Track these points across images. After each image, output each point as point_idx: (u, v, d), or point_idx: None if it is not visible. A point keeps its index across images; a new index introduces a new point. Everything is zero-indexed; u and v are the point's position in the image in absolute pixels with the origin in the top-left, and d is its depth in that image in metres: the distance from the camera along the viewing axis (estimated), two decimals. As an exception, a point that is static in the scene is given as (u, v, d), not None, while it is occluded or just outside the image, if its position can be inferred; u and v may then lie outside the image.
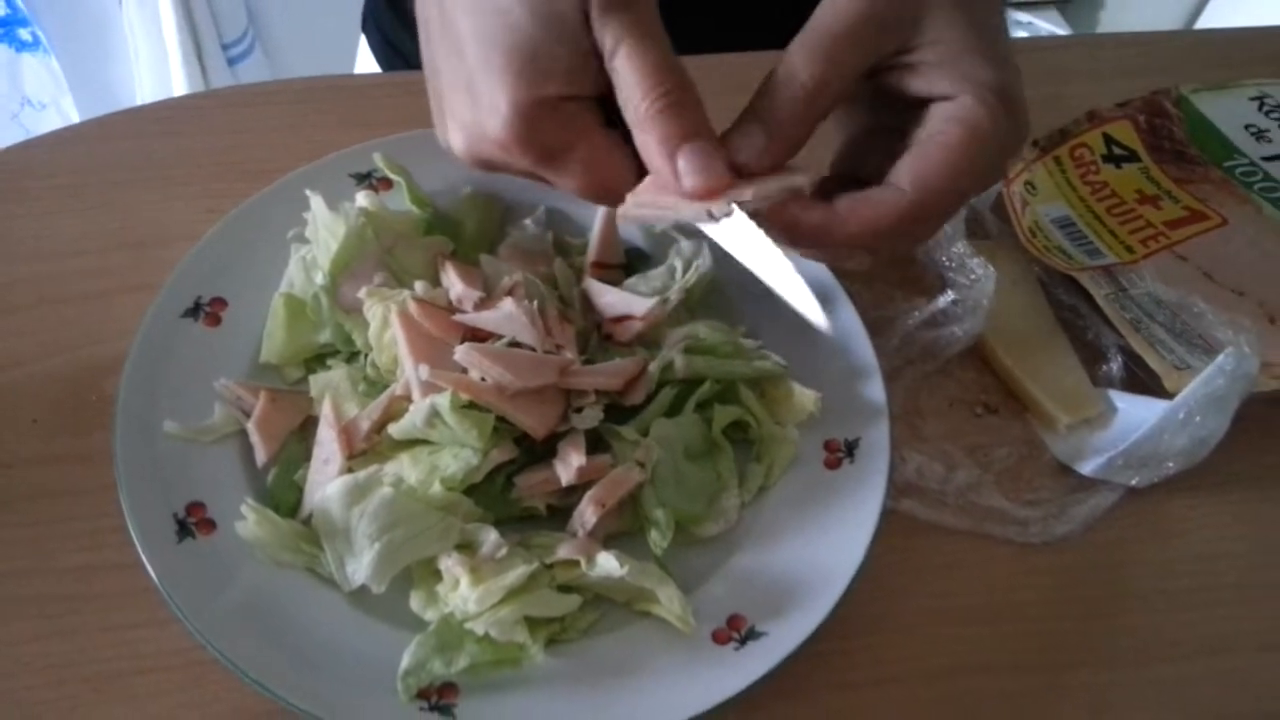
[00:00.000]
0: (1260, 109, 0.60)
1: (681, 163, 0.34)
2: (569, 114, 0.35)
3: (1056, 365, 0.48)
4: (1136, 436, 0.44)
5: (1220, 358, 0.42)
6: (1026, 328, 0.48)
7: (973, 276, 0.47)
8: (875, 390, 0.43)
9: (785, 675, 0.37)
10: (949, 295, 0.47)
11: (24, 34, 1.35)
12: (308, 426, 0.41)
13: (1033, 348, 0.48)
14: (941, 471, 0.44)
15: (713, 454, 0.42)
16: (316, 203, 0.43)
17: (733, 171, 0.34)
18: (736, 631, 0.37)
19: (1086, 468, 0.45)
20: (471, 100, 0.36)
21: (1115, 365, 0.48)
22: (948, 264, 0.48)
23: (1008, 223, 0.51)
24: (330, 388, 0.41)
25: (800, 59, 0.35)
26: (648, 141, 0.34)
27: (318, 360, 0.43)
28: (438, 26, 0.37)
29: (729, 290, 0.46)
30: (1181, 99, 0.59)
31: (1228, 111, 0.60)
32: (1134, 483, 0.45)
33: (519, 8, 0.34)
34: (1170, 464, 0.44)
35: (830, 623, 0.38)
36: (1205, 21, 1.56)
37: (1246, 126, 0.59)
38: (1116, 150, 0.56)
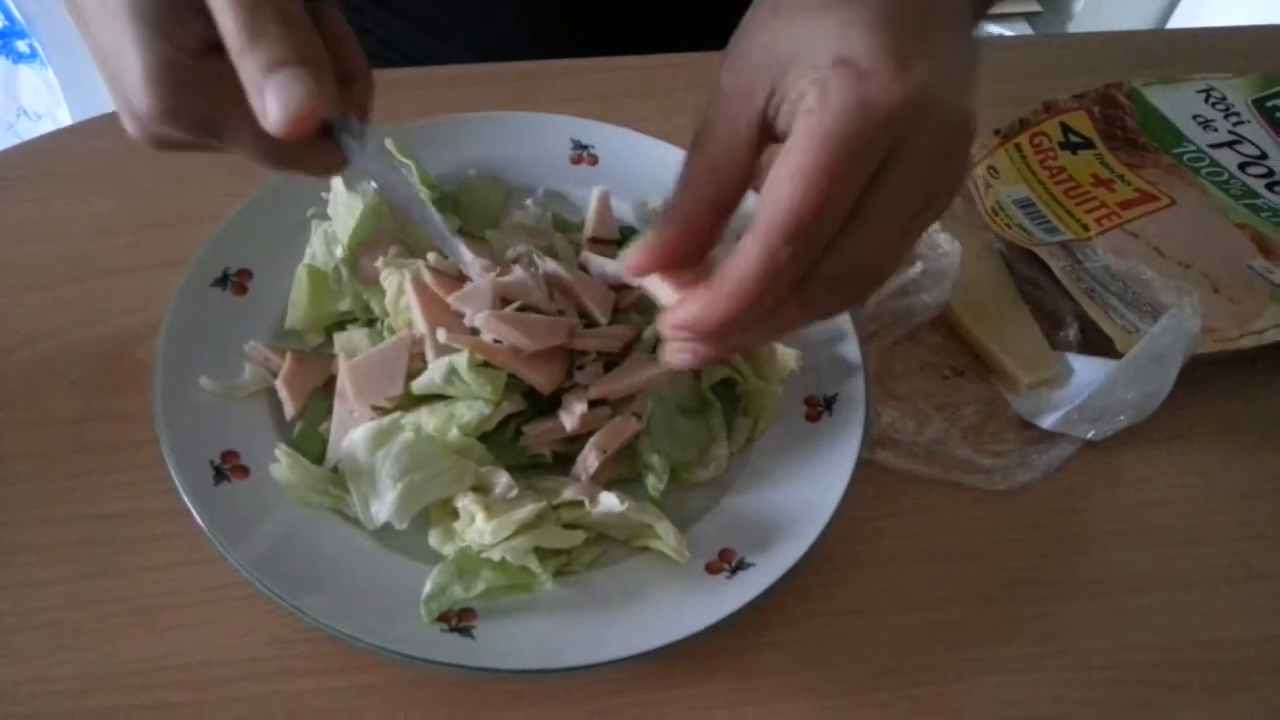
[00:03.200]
0: (1207, 101, 0.65)
1: (268, 96, 0.29)
2: (212, 73, 0.31)
3: (1017, 331, 0.52)
4: (1091, 392, 0.48)
5: (1165, 317, 0.47)
6: (990, 297, 0.53)
7: (940, 251, 0.51)
8: (851, 351, 0.47)
9: (773, 604, 0.40)
10: (918, 267, 0.51)
11: (21, 45, 1.39)
12: (330, 385, 0.44)
13: (995, 315, 0.52)
14: (913, 426, 0.48)
15: (704, 408, 0.46)
16: (336, 183, 0.47)
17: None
18: (727, 563, 0.41)
19: (1046, 422, 0.49)
20: (119, 82, 0.32)
21: (1072, 331, 0.52)
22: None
23: (972, 204, 0.56)
24: (352, 347, 0.44)
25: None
26: (245, 87, 0.30)
27: (338, 327, 0.47)
28: (74, 14, 0.33)
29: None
30: (1133, 91, 0.64)
31: (1177, 103, 0.64)
32: (1090, 435, 0.49)
33: None
34: (1122, 417, 0.48)
35: (812, 557, 0.41)
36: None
37: (1194, 117, 0.64)
38: (1073, 138, 0.60)
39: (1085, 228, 0.56)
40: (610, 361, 0.45)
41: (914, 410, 0.49)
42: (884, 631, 0.43)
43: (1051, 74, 0.65)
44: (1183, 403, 0.49)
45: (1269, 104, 0.65)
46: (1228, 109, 0.65)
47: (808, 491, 0.43)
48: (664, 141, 0.54)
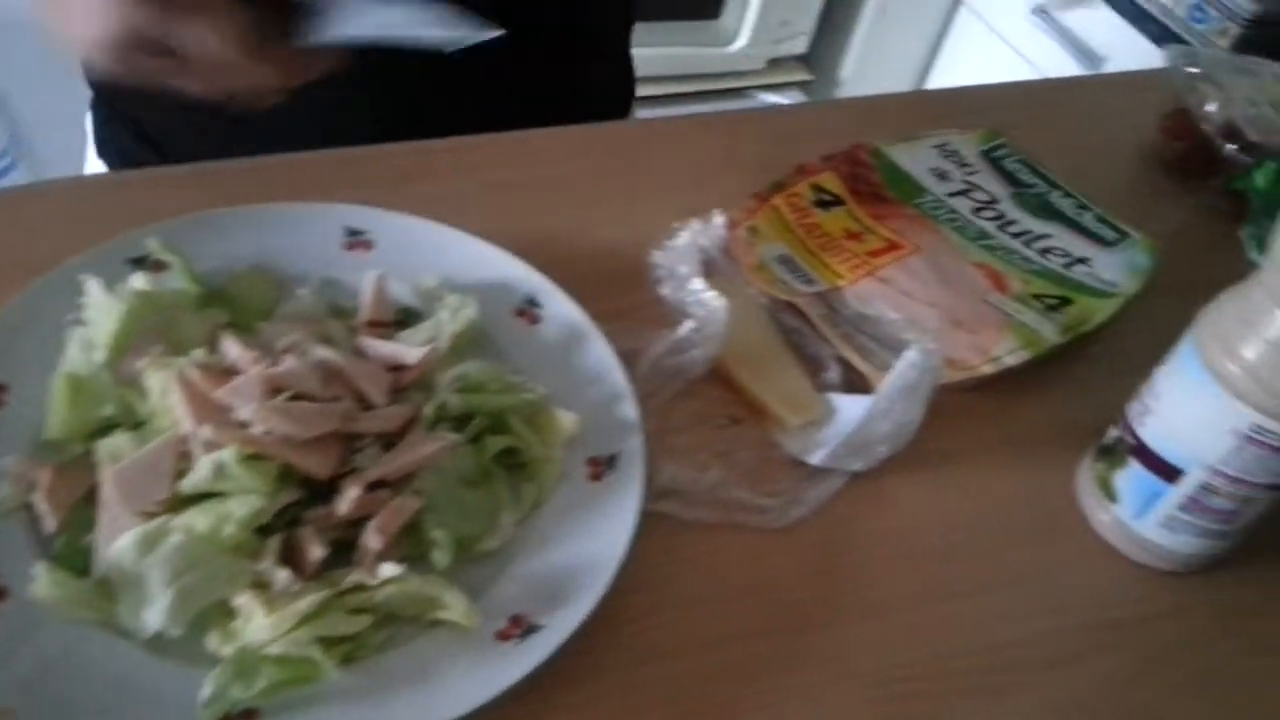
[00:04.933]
0: (941, 155, 0.71)
1: None
2: None
3: (784, 377, 0.55)
4: (851, 428, 0.51)
5: (907, 354, 0.51)
6: (757, 349, 0.56)
7: (708, 309, 0.54)
8: (629, 411, 0.49)
9: (575, 662, 0.41)
10: (689, 325, 0.53)
11: None
12: (94, 495, 0.43)
13: (763, 365, 0.55)
14: (693, 475, 0.50)
15: (487, 479, 0.46)
16: (92, 285, 0.46)
17: None
18: (518, 628, 0.42)
19: (815, 459, 0.52)
20: None
21: (833, 373, 0.56)
22: (686, 300, 0.55)
23: (737, 263, 0.59)
24: (114, 453, 0.43)
25: None
26: None
27: (101, 434, 0.45)
28: None
29: (495, 333, 0.52)
30: (876, 151, 0.69)
31: (916, 159, 0.70)
32: (856, 467, 0.52)
33: None
34: (882, 448, 0.52)
35: (606, 611, 0.43)
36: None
37: (931, 170, 0.70)
38: (824, 196, 0.65)
39: (840, 276, 0.60)
40: (390, 442, 0.45)
41: (694, 461, 0.51)
42: (685, 675, 0.44)
43: (810, 138, 0.69)
44: (938, 429, 0.53)
45: (994, 155, 0.72)
46: (961, 161, 0.71)
47: (594, 549, 0.44)
48: (441, 224, 0.55)
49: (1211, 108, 0.75)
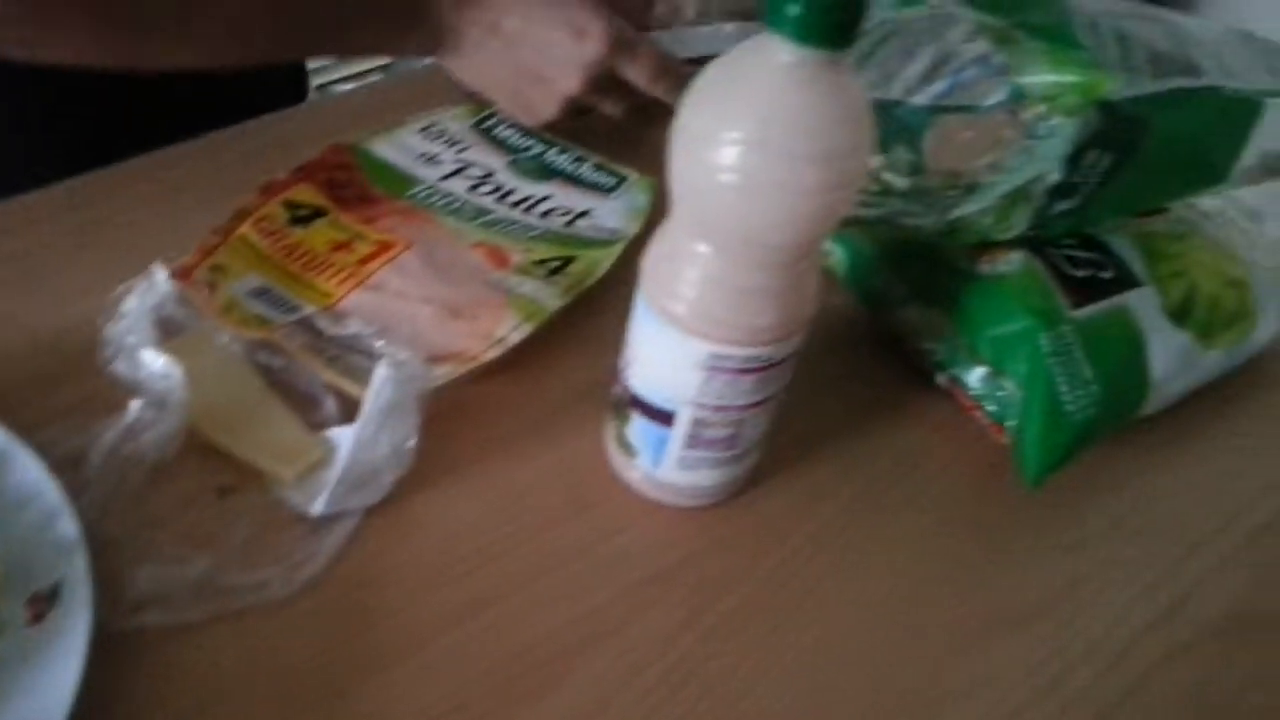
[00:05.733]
0: (429, 138, 0.68)
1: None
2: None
3: (271, 426, 0.50)
4: (342, 464, 0.47)
5: (379, 370, 0.47)
6: (235, 402, 0.50)
7: (158, 377, 0.48)
8: (69, 528, 0.43)
9: None
10: (138, 404, 0.47)
11: None
12: None
13: (245, 418, 0.50)
14: (175, 571, 0.44)
15: (-109, 666, 0.39)
16: None
17: None
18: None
19: (316, 507, 0.47)
20: (577, 50, 0.62)
21: (329, 406, 0.51)
22: (141, 375, 0.48)
23: (198, 311, 0.53)
24: None
25: None
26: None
27: None
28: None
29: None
30: (355, 148, 0.65)
31: (400, 148, 0.66)
32: (367, 503, 0.48)
33: None
34: (387, 476, 0.48)
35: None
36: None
37: (420, 155, 0.66)
38: (301, 212, 0.60)
39: (328, 295, 0.55)
40: None
41: (175, 556, 0.45)
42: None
43: (281, 152, 0.64)
44: (453, 431, 0.51)
45: (485, 125, 0.70)
46: (451, 140, 0.68)
47: (40, 709, 0.38)
48: None
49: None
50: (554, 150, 0.69)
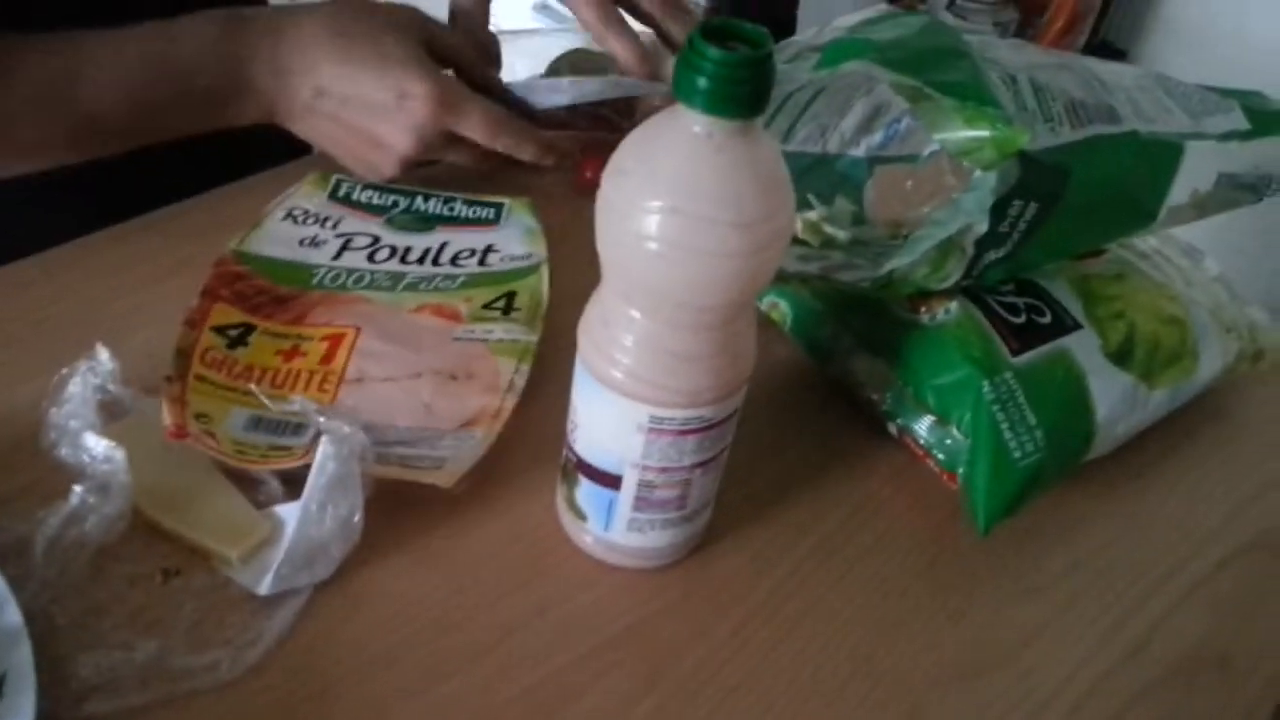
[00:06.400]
0: (296, 223, 0.65)
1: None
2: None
3: (216, 505, 0.50)
4: (288, 541, 0.47)
5: (321, 447, 0.47)
6: (180, 483, 0.50)
7: (100, 460, 0.48)
8: (11, 617, 0.42)
9: None
10: (79, 489, 0.47)
11: None
12: None
13: (190, 498, 0.50)
14: (121, 657, 0.44)
15: None
16: None
17: None
18: None
19: (262, 587, 0.47)
20: (403, 112, 0.62)
21: (273, 484, 0.51)
22: (84, 459, 0.48)
23: (150, 395, 0.53)
24: None
25: None
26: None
27: None
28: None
29: None
30: (238, 254, 0.61)
31: (276, 241, 0.63)
32: (315, 580, 0.48)
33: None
34: (334, 550, 0.48)
35: None
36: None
37: (300, 241, 0.64)
38: (232, 333, 0.56)
39: (321, 399, 0.54)
40: None
41: (121, 641, 0.45)
42: None
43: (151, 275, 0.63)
44: (411, 501, 0.51)
45: (341, 194, 0.68)
46: (318, 217, 0.66)
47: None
48: None
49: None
50: (419, 199, 0.69)
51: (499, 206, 0.69)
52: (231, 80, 0.62)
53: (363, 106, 0.62)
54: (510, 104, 0.67)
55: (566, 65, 0.79)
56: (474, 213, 0.68)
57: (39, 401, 0.51)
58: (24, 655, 0.41)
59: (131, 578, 0.48)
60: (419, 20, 0.64)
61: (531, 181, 0.71)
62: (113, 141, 0.63)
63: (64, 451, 0.49)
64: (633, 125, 0.53)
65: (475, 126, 0.63)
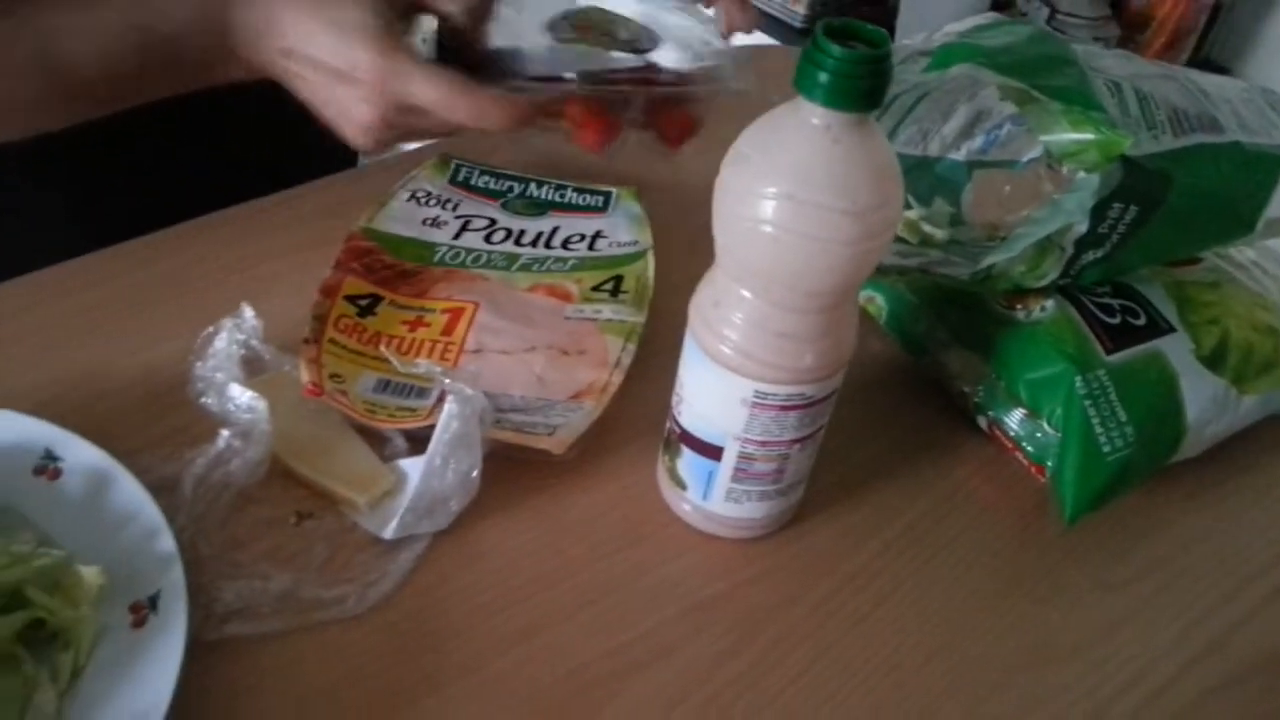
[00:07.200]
0: (420, 204, 0.69)
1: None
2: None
3: (347, 457, 0.54)
4: (411, 492, 0.51)
5: (446, 406, 0.51)
6: (315, 434, 0.55)
7: (250, 412, 0.52)
8: (166, 544, 0.47)
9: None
10: (226, 434, 0.51)
11: None
12: None
13: (324, 450, 0.54)
14: (259, 586, 0.48)
15: (10, 663, 0.43)
16: None
17: None
18: (57, 816, 0.39)
19: (387, 532, 0.51)
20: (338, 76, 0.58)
21: (399, 442, 0.55)
22: (228, 408, 0.53)
23: (287, 353, 0.57)
24: None
25: None
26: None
27: None
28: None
29: (14, 500, 0.48)
30: (366, 231, 0.65)
31: (400, 220, 0.67)
32: (433, 529, 0.52)
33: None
34: (453, 504, 0.52)
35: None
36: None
37: (423, 221, 0.68)
38: (362, 302, 0.61)
39: (443, 367, 0.57)
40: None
41: (259, 572, 0.49)
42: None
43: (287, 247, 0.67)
44: (507, 466, 0.54)
45: (460, 179, 0.72)
46: (439, 199, 0.70)
47: (144, 698, 0.42)
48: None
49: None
50: (532, 185, 0.72)
51: (607, 195, 0.72)
52: (216, 45, 0.60)
53: (325, 71, 0.59)
54: (497, 71, 0.61)
55: (569, 25, 0.67)
56: (584, 200, 0.71)
57: (185, 356, 0.56)
58: (176, 577, 0.46)
59: (268, 518, 0.52)
60: None
61: (637, 172, 0.74)
62: (94, 108, 0.63)
63: (209, 401, 0.54)
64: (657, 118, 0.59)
65: (427, 100, 0.58)
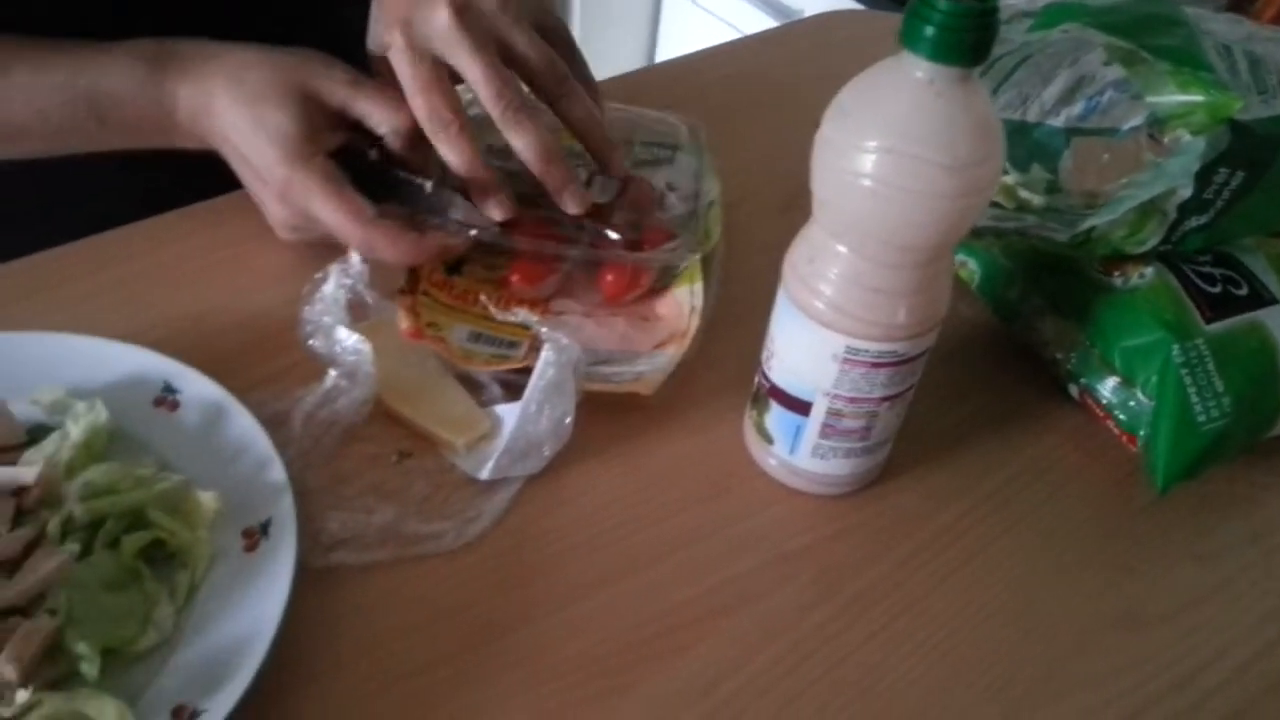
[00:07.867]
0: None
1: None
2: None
3: (446, 401, 0.56)
4: (508, 435, 0.53)
5: (543, 353, 0.52)
6: (416, 379, 0.57)
7: (356, 354, 0.54)
8: (277, 474, 0.49)
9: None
10: (334, 374, 0.54)
11: None
12: None
13: (423, 394, 0.56)
14: (363, 518, 0.51)
15: (134, 579, 0.46)
16: None
17: None
18: (179, 720, 0.41)
19: (484, 474, 0.53)
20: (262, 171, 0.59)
21: (495, 389, 0.57)
22: (335, 350, 0.55)
23: (390, 299, 0.59)
24: None
25: None
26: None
27: None
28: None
29: (134, 428, 0.51)
30: None
31: None
32: (526, 472, 0.54)
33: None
34: (546, 449, 0.54)
35: (287, 671, 0.44)
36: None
37: None
38: (450, 261, 0.62)
39: (526, 328, 0.58)
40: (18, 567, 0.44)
41: (363, 505, 0.51)
42: (392, 707, 0.45)
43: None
44: (600, 415, 0.55)
45: None
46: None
47: (254, 619, 0.44)
48: (57, 334, 0.54)
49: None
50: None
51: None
52: (155, 115, 0.61)
53: (245, 164, 0.61)
54: (398, 183, 0.61)
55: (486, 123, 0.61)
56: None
57: (292, 301, 0.58)
58: (286, 505, 0.48)
59: (372, 455, 0.54)
60: (309, 72, 0.60)
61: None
62: (25, 150, 0.64)
63: (317, 343, 0.56)
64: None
65: (322, 220, 0.59)
